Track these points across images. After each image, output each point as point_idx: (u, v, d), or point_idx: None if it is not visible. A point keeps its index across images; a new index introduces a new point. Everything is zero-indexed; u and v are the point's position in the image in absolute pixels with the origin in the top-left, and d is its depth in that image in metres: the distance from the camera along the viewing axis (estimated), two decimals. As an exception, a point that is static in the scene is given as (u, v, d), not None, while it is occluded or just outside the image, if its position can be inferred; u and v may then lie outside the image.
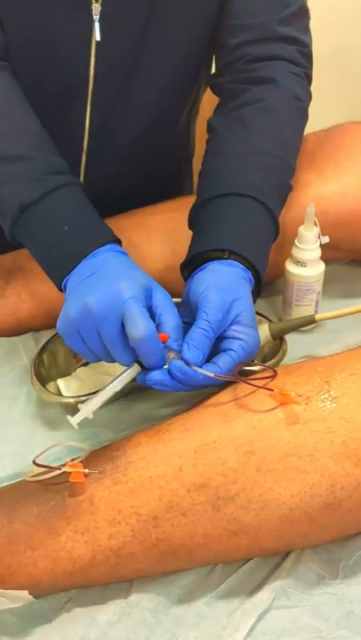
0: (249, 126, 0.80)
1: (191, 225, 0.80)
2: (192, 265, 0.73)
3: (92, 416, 0.64)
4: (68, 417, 0.64)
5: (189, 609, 0.59)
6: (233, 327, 0.66)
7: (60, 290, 0.72)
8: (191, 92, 0.94)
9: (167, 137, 0.97)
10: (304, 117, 0.86)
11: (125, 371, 0.64)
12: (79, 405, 0.64)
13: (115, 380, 0.64)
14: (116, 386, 0.64)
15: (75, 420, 0.63)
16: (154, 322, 0.64)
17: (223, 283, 0.68)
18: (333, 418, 0.59)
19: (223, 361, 0.64)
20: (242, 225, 0.75)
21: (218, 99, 0.90)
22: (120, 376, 0.64)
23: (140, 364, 0.64)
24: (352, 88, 1.68)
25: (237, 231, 0.74)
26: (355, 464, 0.58)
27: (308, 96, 0.87)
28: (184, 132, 1.02)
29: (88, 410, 0.63)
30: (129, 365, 0.64)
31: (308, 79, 0.88)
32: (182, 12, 0.82)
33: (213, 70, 0.92)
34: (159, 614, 0.59)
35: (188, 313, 0.70)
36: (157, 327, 0.64)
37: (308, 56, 0.88)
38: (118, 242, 0.73)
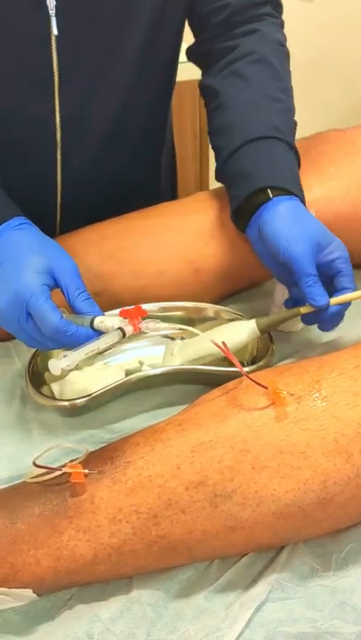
0: (247, 77, 0.85)
1: (223, 177, 0.85)
2: (244, 212, 0.80)
3: (73, 366, 0.65)
4: (52, 360, 0.65)
5: (188, 603, 0.60)
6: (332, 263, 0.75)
7: None
8: (162, 78, 0.96)
9: (141, 124, 0.97)
10: (289, 60, 0.92)
11: (110, 334, 0.66)
12: (65, 352, 0.65)
13: (99, 339, 0.66)
14: (100, 344, 0.66)
15: (58, 365, 0.64)
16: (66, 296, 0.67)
17: (296, 232, 0.74)
18: (325, 416, 0.61)
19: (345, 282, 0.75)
20: (280, 164, 0.81)
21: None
22: (104, 337, 0.66)
23: (121, 330, 0.66)
24: (332, 95, 1.71)
25: (280, 170, 0.80)
26: (346, 460, 0.60)
27: (286, 41, 0.93)
28: (159, 123, 1.03)
29: (73, 359, 0.65)
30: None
31: (282, 26, 0.94)
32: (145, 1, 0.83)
33: (193, 43, 0.94)
34: (159, 609, 0.60)
35: (270, 258, 0.78)
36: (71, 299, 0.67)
37: (279, 7, 0.94)
38: (19, 215, 0.73)
